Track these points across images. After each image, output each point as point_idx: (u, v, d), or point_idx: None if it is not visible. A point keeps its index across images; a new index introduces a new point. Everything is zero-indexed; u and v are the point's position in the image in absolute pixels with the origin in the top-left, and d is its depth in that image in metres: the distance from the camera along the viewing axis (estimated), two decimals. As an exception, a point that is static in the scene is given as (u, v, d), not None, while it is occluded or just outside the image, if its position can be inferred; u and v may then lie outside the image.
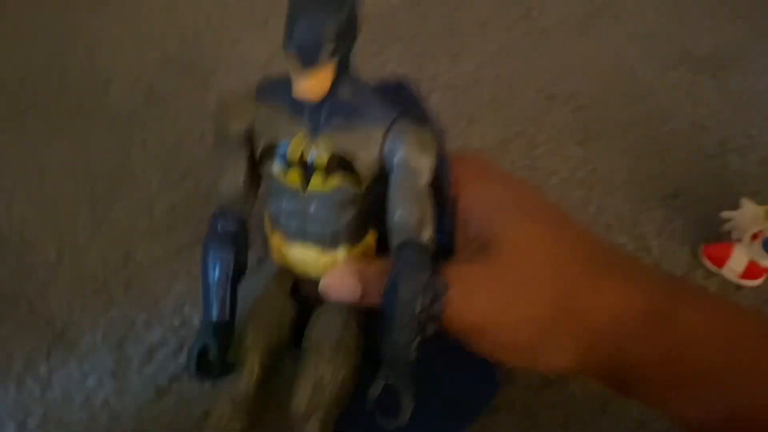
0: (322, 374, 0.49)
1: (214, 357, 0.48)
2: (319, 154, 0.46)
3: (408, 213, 0.46)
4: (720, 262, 0.68)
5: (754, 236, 0.66)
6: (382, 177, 0.49)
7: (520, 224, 0.49)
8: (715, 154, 0.77)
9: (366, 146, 0.46)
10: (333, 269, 0.50)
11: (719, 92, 0.83)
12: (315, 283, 0.54)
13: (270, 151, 0.47)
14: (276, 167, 0.47)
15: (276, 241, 0.53)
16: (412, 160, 0.45)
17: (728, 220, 0.68)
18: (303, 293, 0.56)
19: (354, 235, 0.52)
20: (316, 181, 0.47)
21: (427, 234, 0.46)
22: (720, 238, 0.69)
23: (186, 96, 0.75)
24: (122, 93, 0.75)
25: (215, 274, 0.49)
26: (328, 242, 0.51)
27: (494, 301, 0.46)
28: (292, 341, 0.53)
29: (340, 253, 0.52)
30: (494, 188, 0.52)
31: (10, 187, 0.69)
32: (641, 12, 0.90)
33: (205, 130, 0.73)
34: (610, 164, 0.76)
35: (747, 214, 0.67)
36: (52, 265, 0.65)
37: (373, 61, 0.80)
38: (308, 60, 0.41)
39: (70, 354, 0.61)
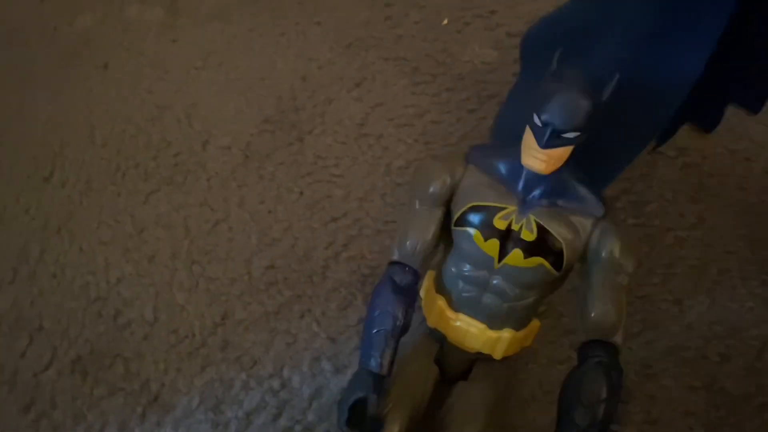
0: None
1: (373, 411, 0.45)
2: (529, 229, 0.44)
3: (606, 311, 0.44)
4: None
5: None
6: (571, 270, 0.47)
7: None
8: None
9: (575, 232, 0.45)
10: None
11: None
12: (462, 354, 0.52)
13: (473, 216, 0.46)
14: (476, 232, 0.46)
15: (440, 305, 0.51)
16: (618, 258, 0.44)
17: None
18: (444, 362, 0.53)
19: (524, 319, 0.50)
20: (516, 255, 0.45)
21: (620, 336, 0.45)
22: None
23: (283, 155, 0.75)
24: (220, 152, 0.75)
25: (384, 324, 0.46)
26: (498, 320, 0.49)
27: None
28: (429, 407, 0.51)
29: (506, 334, 0.49)
30: None
31: (109, 244, 0.68)
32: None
33: (302, 189, 0.72)
34: (728, 222, 0.71)
35: None
36: (148, 323, 0.63)
37: (469, 117, 0.78)
38: (552, 140, 0.41)
39: (166, 417, 0.58)
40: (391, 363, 0.46)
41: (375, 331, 0.46)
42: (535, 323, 0.51)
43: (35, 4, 0.93)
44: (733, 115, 0.82)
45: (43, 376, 0.60)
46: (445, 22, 0.89)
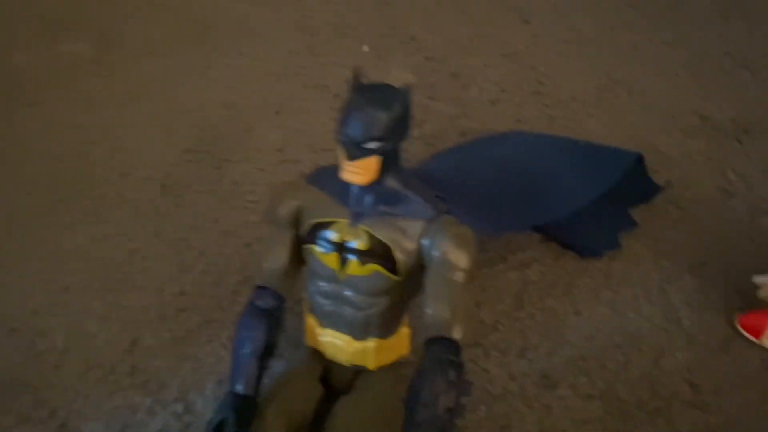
0: None
1: (231, 430, 0.48)
2: (359, 239, 0.48)
3: (440, 309, 0.46)
4: (757, 332, 0.64)
5: (791, 301, 0.61)
6: (419, 272, 0.49)
7: None
8: (744, 218, 0.74)
9: (405, 236, 0.48)
10: None
11: (745, 157, 0.80)
12: (343, 369, 0.54)
13: (314, 233, 0.49)
14: (317, 248, 0.49)
15: (310, 323, 0.54)
16: (449, 255, 0.46)
17: (762, 285, 0.64)
18: (330, 379, 0.56)
19: (386, 327, 0.52)
20: (354, 265, 0.48)
21: (458, 331, 0.46)
22: (758, 305, 0.64)
23: (201, 183, 0.77)
24: (140, 184, 0.77)
25: (246, 347, 0.50)
26: (359, 330, 0.52)
27: None
28: (313, 426, 0.53)
29: (370, 343, 0.52)
30: None
31: (30, 277, 0.70)
32: (655, 83, 0.89)
33: (218, 216, 0.74)
34: (631, 233, 0.73)
35: (781, 277, 0.63)
36: (59, 353, 0.64)
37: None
38: (355, 151, 0.45)
39: (72, 444, 0.59)
40: (257, 384, 0.49)
41: (239, 354, 0.49)
42: (404, 330, 0.52)
43: (-27, 45, 0.96)
44: (648, 133, 0.84)
45: (-44, 408, 0.61)
46: (366, 48, 0.91)
